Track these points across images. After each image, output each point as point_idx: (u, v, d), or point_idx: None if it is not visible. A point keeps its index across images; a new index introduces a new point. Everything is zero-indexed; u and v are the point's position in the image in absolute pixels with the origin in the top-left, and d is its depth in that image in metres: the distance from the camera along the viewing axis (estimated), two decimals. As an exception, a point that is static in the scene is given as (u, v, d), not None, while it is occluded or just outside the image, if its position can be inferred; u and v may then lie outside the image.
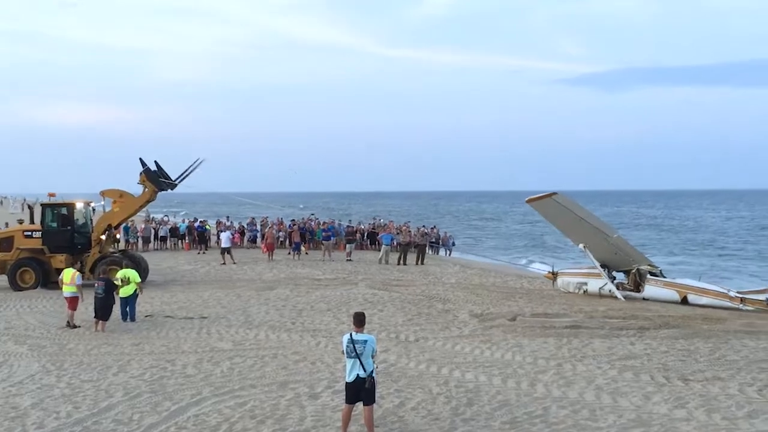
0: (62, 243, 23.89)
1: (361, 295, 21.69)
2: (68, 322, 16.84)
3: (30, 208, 31.07)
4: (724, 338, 15.53)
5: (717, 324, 17.20)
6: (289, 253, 33.73)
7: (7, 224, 33.50)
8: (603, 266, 22.28)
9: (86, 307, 17.37)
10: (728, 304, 20.00)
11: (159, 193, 24.87)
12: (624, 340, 15.27)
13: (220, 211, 70.70)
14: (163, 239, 38.24)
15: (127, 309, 17.60)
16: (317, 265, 30.49)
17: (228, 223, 40.37)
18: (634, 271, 22.29)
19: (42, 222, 24.29)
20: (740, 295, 20.17)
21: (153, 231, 38.38)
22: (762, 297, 19.84)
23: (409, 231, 35.85)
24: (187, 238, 38.14)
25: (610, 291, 21.91)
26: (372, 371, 9.21)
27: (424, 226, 39.58)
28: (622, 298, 21.36)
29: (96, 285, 17.02)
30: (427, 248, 34.12)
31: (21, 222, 29.38)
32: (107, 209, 24.75)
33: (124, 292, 17.49)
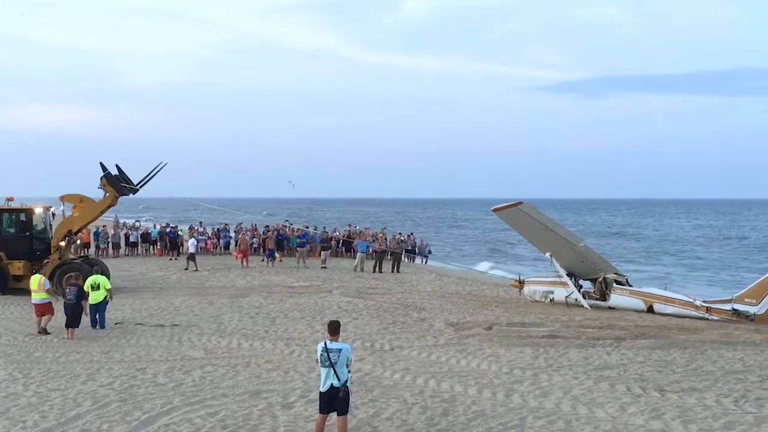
0: (20, 249, 23.27)
1: (335, 303, 21.53)
2: (42, 328, 16.56)
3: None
4: (700, 349, 15.59)
5: (694, 334, 17.27)
6: (263, 260, 33.43)
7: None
8: (569, 275, 22.28)
9: (56, 315, 17.01)
10: (694, 313, 20.08)
11: (120, 198, 24.28)
12: (600, 350, 15.28)
13: (191, 217, 69.94)
14: (134, 245, 37.71)
15: (97, 316, 17.29)
16: (291, 272, 30.24)
17: (201, 229, 39.86)
18: (600, 279, 22.31)
19: None
20: (706, 305, 20.23)
21: (123, 236, 37.81)
22: (727, 307, 19.90)
23: (385, 238, 35.74)
24: (159, 244, 37.64)
25: (576, 300, 21.88)
26: (346, 380, 9.10)
27: (400, 233, 39.48)
28: (588, 307, 21.36)
29: (68, 290, 16.72)
30: (403, 256, 34.01)
31: None
32: (67, 214, 24.13)
33: (94, 298, 17.18)
